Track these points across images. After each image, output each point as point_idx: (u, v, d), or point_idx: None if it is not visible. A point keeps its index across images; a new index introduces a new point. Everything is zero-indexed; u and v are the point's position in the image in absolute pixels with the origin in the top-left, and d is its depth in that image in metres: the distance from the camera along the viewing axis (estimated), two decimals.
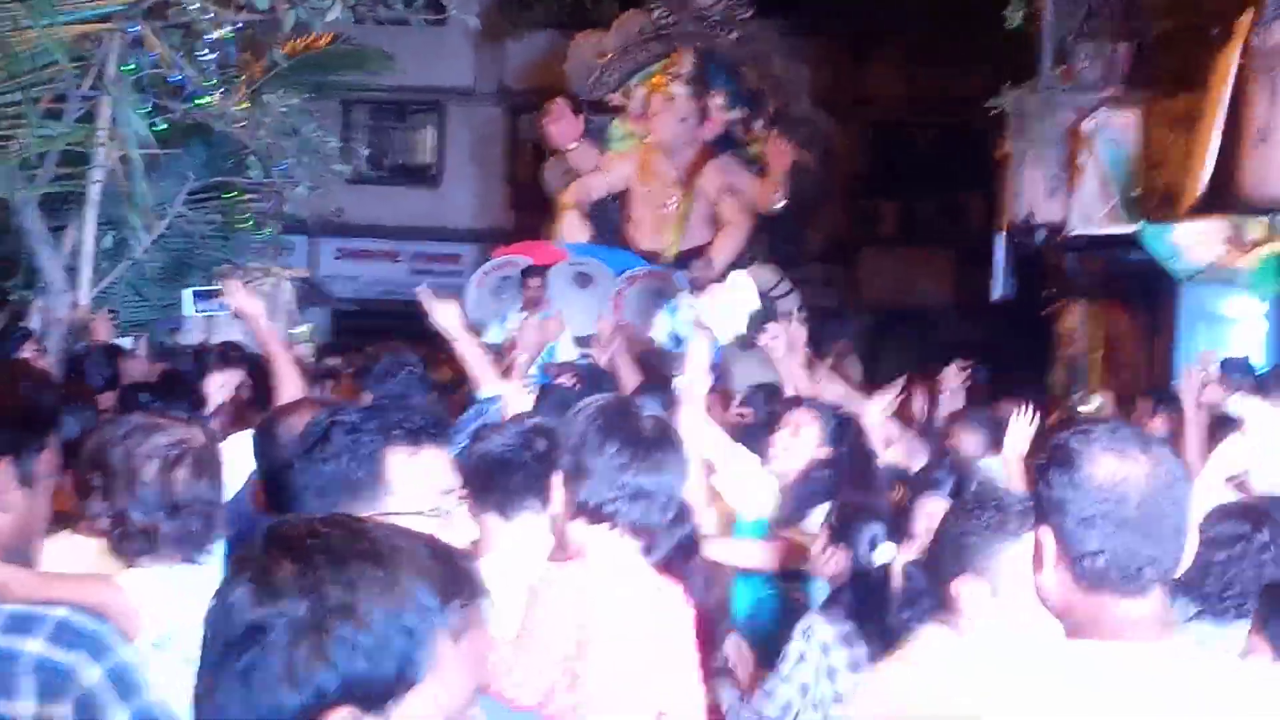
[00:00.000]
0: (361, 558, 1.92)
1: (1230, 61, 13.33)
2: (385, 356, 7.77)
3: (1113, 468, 2.80)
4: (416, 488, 3.37)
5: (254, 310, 7.06)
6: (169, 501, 3.92)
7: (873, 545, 5.78)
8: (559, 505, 3.94)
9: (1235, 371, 12.04)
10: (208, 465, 4.02)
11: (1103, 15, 16.11)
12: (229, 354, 9.52)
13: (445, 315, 7.21)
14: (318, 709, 1.84)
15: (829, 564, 5.88)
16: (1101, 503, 2.78)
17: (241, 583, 1.92)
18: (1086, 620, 2.84)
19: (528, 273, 16.15)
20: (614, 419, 3.90)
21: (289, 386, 6.72)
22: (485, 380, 7.18)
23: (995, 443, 9.02)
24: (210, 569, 3.99)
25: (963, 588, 3.74)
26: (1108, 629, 2.81)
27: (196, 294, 7.43)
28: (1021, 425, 7.67)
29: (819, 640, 5.44)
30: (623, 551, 3.90)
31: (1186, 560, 2.86)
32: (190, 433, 4.07)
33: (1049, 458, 2.92)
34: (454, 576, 1.98)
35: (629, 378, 9.92)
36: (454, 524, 3.35)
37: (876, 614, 5.36)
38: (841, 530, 5.90)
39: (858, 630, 5.41)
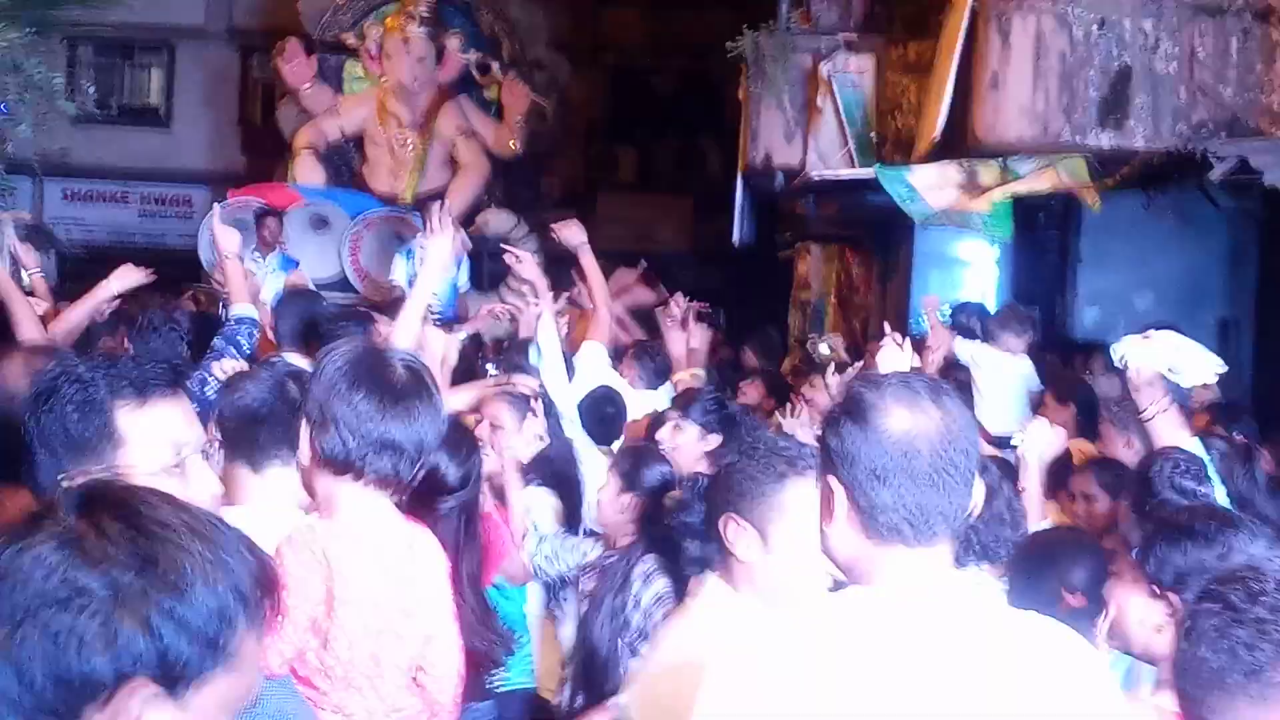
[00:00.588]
0: (192, 534, 1.87)
1: (963, 6, 13.47)
2: (150, 312, 7.77)
3: (906, 421, 2.76)
4: (148, 442, 3.17)
5: None
6: None
7: (664, 486, 5.72)
8: (305, 456, 3.76)
9: (968, 315, 12.27)
10: None
11: None
12: None
13: (227, 236, 7.53)
14: (123, 678, 1.78)
15: (625, 511, 5.79)
16: (895, 456, 2.74)
17: (49, 540, 1.83)
18: (874, 571, 2.80)
19: (261, 214, 15.85)
20: (363, 367, 3.73)
21: (27, 327, 6.55)
22: (239, 299, 7.35)
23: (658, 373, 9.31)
24: None
25: (729, 530, 3.67)
26: (897, 578, 2.77)
27: None
28: None
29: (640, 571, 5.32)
30: (370, 504, 3.73)
31: (974, 510, 2.83)
32: None
33: (840, 409, 2.88)
34: (265, 570, 1.95)
35: None
36: (195, 478, 3.17)
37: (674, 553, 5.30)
38: (631, 476, 5.82)
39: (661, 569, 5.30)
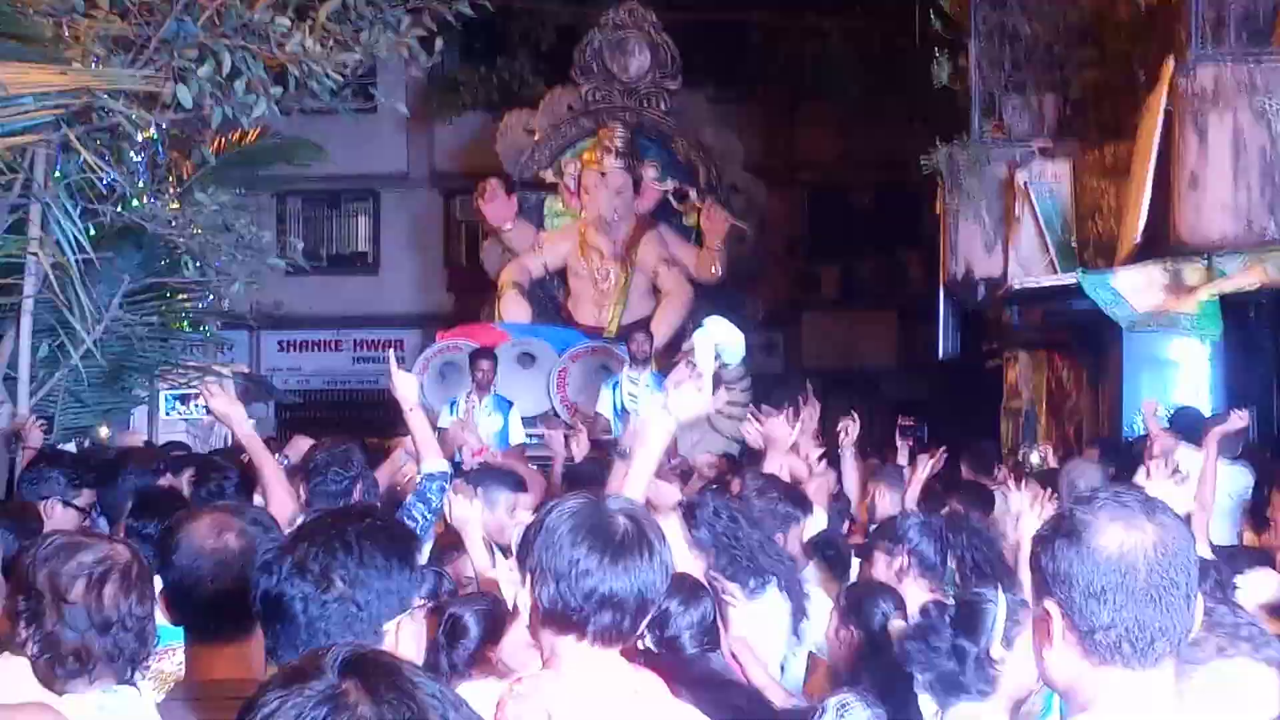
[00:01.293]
0: (454, 709, 2.03)
1: (1157, 107, 13.39)
2: (321, 453, 7.67)
3: (1120, 538, 2.74)
4: None
5: (234, 414, 6.98)
6: (99, 620, 3.83)
7: (884, 621, 5.68)
8: (527, 609, 3.78)
9: (1189, 421, 12.06)
10: (135, 581, 3.92)
11: (1028, 68, 16.20)
12: (178, 456, 9.43)
13: (404, 384, 7.19)
14: None
15: (842, 646, 5.77)
16: (1110, 574, 2.72)
17: (313, 694, 1.97)
18: (1095, 696, 2.77)
19: (476, 355, 16.05)
20: (583, 519, 3.75)
21: (277, 492, 6.65)
22: (428, 455, 7.15)
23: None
24: (145, 691, 3.90)
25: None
26: (1118, 703, 2.74)
27: (169, 397, 7.29)
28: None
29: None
30: (593, 660, 3.74)
31: (1195, 627, 2.80)
32: (114, 549, 3.97)
33: (1053, 529, 2.86)
34: None
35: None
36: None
37: (896, 692, 5.27)
38: (851, 610, 5.80)
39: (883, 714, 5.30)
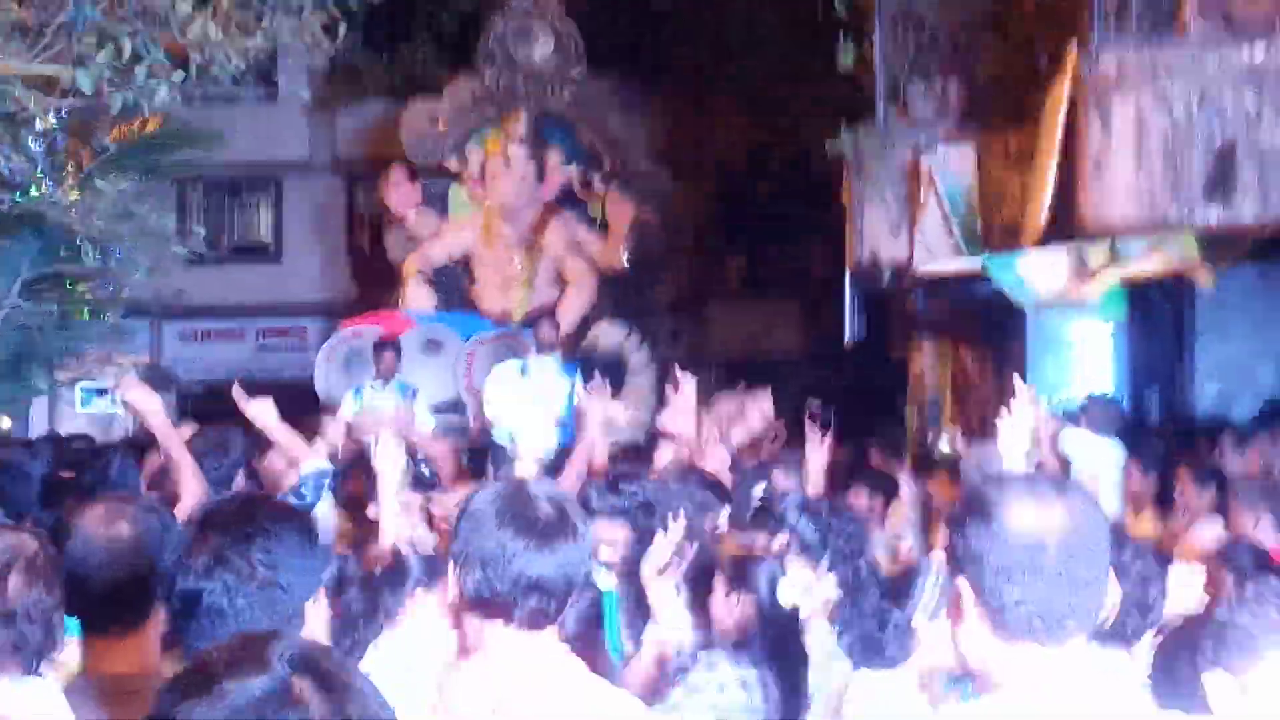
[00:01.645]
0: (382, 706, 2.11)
1: (1061, 93, 13.46)
2: (197, 440, 7.76)
3: (1030, 517, 2.75)
4: None
5: (150, 406, 6.93)
6: (2, 611, 3.73)
7: (773, 585, 5.65)
8: (453, 596, 3.74)
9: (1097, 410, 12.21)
10: (41, 571, 3.82)
11: (932, 54, 16.24)
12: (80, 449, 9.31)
13: (258, 410, 7.71)
14: None
15: (732, 612, 5.72)
16: (1020, 553, 2.73)
17: (260, 683, 2.00)
18: (1006, 674, 2.78)
19: (378, 346, 15.99)
20: (507, 505, 3.71)
21: (191, 483, 6.62)
22: (306, 457, 7.58)
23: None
24: (51, 681, 3.82)
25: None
26: (1028, 681, 2.75)
27: (85, 390, 7.14)
28: None
29: (718, 679, 5.31)
30: (520, 644, 3.70)
31: (1109, 606, 2.81)
32: (20, 539, 3.87)
33: (964, 509, 2.88)
34: None
35: None
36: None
37: (786, 659, 5.26)
38: (738, 575, 5.75)
39: (762, 677, 5.29)
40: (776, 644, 5.40)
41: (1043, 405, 11.22)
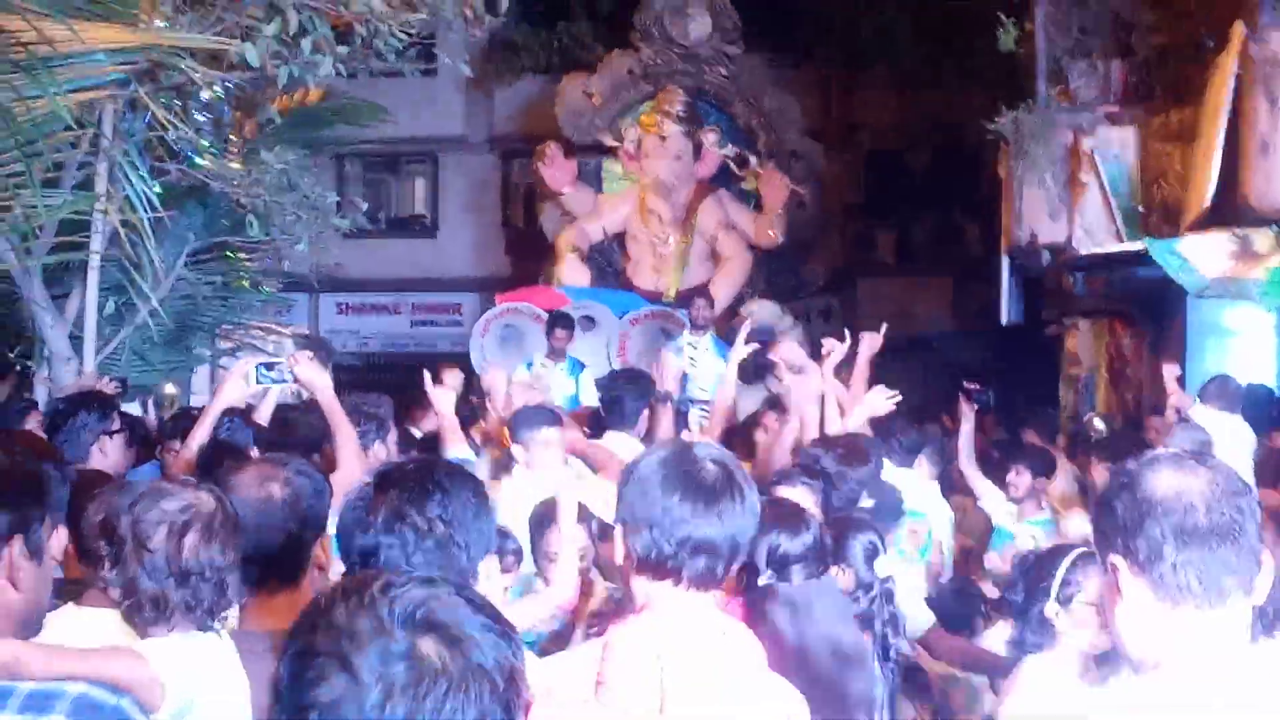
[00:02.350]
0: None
1: (1227, 73, 13.27)
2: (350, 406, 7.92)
3: (1175, 481, 2.81)
4: None
5: (320, 382, 7.05)
6: (178, 569, 3.85)
7: (871, 557, 5.69)
8: (621, 558, 3.80)
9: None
10: (218, 531, 3.93)
11: (1095, 33, 16.07)
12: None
13: (441, 399, 8.17)
14: None
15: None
16: (1170, 515, 2.78)
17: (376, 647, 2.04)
18: (1172, 643, 2.79)
19: (553, 322, 15.90)
20: (674, 467, 3.77)
21: (350, 458, 6.73)
22: (452, 444, 7.99)
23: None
24: (225, 637, 3.94)
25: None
26: (1194, 649, 2.77)
27: (260, 365, 7.34)
28: None
29: None
30: (688, 604, 3.76)
31: (1265, 574, 2.82)
32: (199, 497, 3.98)
33: (1110, 488, 2.93)
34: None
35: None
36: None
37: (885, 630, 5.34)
38: (837, 548, 5.75)
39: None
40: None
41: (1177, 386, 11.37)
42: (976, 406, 10.86)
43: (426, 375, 8.53)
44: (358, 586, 2.07)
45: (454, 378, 12.74)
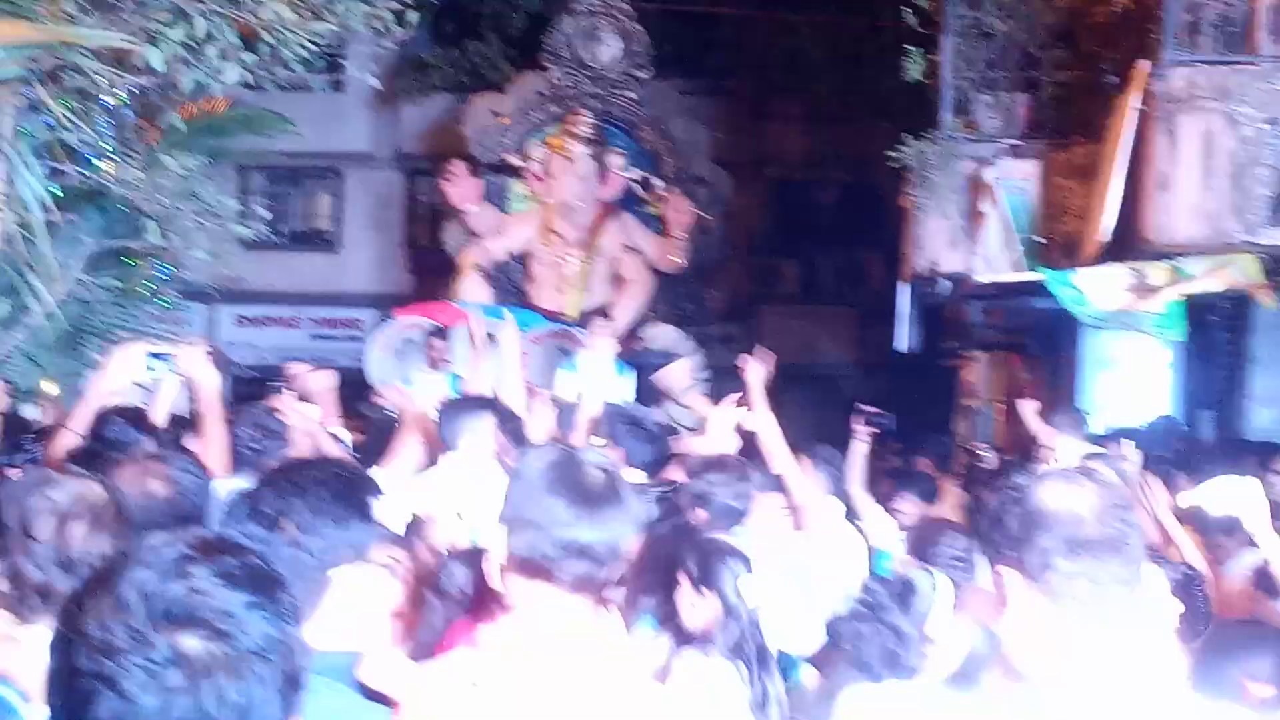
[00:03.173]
0: None
1: (1129, 109, 13.42)
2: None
3: (1065, 494, 2.88)
4: None
5: (204, 376, 6.99)
6: (64, 558, 3.77)
7: (737, 583, 5.64)
8: (501, 558, 3.79)
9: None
10: (107, 522, 3.86)
11: (1001, 67, 16.21)
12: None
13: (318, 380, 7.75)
14: None
15: (697, 613, 5.71)
16: (1061, 526, 2.84)
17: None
18: (1058, 648, 2.84)
19: (434, 333, 16.03)
20: (559, 470, 3.76)
21: (220, 459, 6.67)
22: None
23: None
24: None
25: None
26: (1081, 653, 2.83)
27: (150, 353, 7.23)
28: None
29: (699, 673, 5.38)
30: (564, 608, 3.76)
31: (1147, 585, 2.88)
32: (88, 487, 3.92)
33: (1000, 502, 2.98)
34: None
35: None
36: None
37: (754, 658, 5.32)
38: (703, 575, 5.73)
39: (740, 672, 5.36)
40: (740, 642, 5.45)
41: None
42: (875, 430, 10.92)
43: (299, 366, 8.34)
44: (105, 588, 2.01)
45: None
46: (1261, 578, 6.59)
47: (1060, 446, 10.65)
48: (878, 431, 11.07)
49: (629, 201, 21.81)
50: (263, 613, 1.99)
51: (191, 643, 1.92)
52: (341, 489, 3.76)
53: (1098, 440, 12.55)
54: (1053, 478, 2.94)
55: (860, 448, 10.63)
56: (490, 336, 18.47)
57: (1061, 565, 2.81)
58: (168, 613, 1.93)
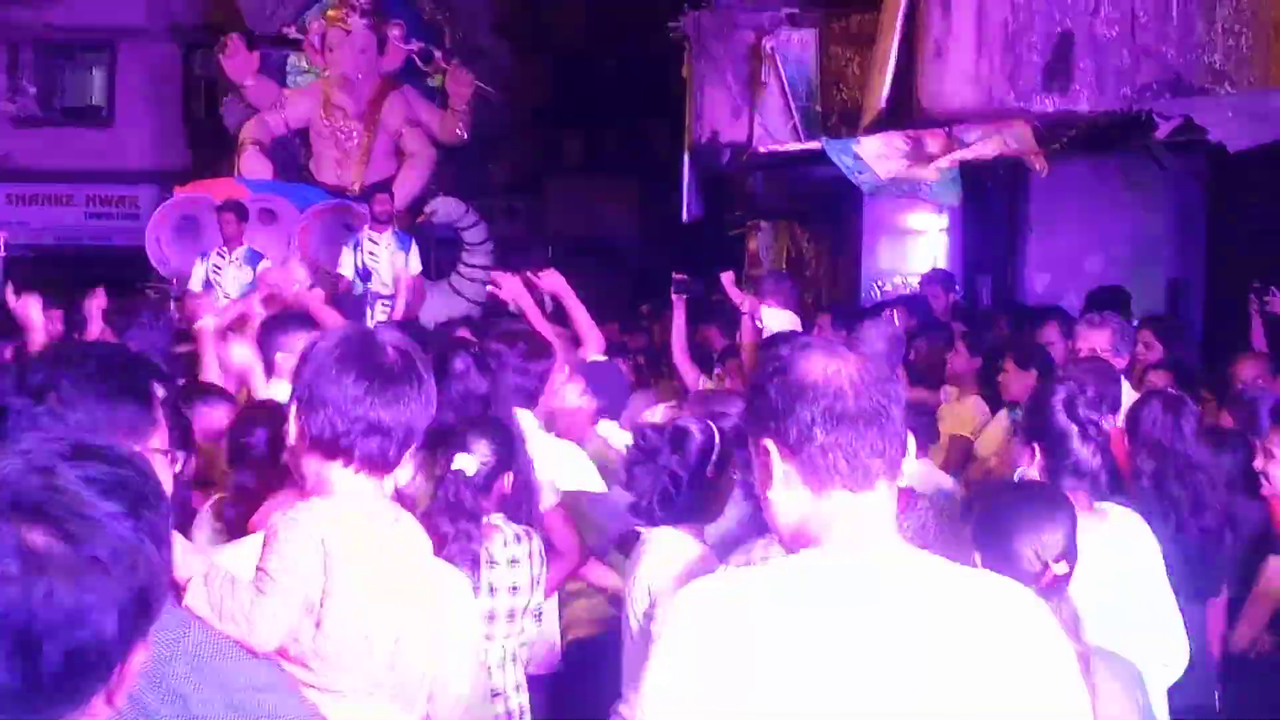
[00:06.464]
0: None
1: None
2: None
3: (824, 364, 2.84)
4: None
5: None
6: None
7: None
8: (294, 437, 3.75)
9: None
10: None
11: None
12: None
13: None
14: None
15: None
16: (820, 399, 2.80)
17: None
18: (820, 525, 2.82)
19: (222, 208, 15.77)
20: (352, 349, 3.73)
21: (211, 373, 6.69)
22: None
23: None
24: None
25: None
26: (845, 531, 2.80)
27: None
28: None
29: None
30: (359, 486, 3.74)
31: (910, 463, 2.88)
32: None
33: (761, 374, 2.96)
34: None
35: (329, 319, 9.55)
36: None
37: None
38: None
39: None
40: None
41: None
42: (685, 296, 10.97)
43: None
44: None
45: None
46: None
47: (768, 316, 10.59)
48: (688, 296, 11.13)
49: (410, 74, 21.59)
50: (120, 525, 1.93)
51: (35, 536, 1.87)
52: (113, 368, 3.69)
53: (876, 306, 12.74)
54: (814, 349, 2.90)
55: (679, 318, 10.72)
56: (268, 212, 18.38)
57: (819, 437, 2.79)
58: (15, 503, 1.89)
